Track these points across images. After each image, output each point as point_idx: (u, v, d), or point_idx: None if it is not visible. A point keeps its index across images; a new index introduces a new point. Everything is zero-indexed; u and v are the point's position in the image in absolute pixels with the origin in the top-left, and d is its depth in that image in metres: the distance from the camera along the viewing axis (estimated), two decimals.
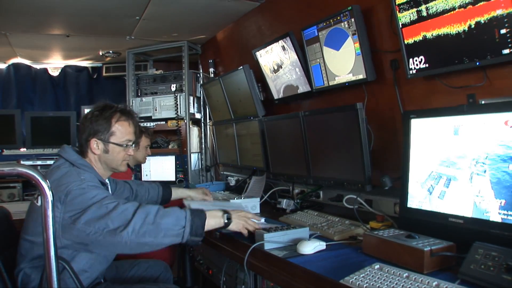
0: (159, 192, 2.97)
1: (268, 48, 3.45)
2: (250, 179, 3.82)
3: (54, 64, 6.15)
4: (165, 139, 5.31)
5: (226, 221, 2.21)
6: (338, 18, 2.66)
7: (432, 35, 2.13)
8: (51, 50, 5.38)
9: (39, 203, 2.06)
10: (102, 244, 2.03)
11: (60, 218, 2.02)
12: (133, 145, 2.40)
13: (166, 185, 3.03)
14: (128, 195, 2.78)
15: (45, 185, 1.56)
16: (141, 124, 4.49)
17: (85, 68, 6.33)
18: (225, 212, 2.24)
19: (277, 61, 3.41)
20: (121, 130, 2.32)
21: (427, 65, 2.20)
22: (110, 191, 2.49)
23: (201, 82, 5.30)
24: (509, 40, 1.80)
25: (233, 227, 2.24)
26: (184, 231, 2.04)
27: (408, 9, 2.20)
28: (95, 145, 2.29)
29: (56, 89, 6.23)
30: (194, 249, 3.21)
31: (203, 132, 5.41)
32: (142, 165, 4.53)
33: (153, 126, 5.13)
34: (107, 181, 2.46)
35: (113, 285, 2.50)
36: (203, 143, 5.41)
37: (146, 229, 1.99)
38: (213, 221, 2.18)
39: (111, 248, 2.14)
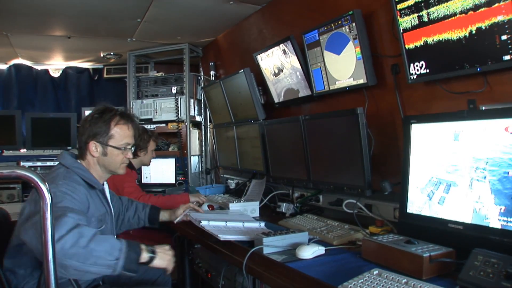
0: (145, 215, 2.87)
1: (269, 51, 3.45)
2: (250, 182, 3.81)
3: (55, 65, 6.15)
4: (166, 141, 5.31)
5: (150, 255, 2.06)
6: (339, 22, 2.66)
7: (433, 40, 2.13)
8: (52, 51, 5.39)
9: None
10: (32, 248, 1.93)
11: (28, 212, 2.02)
12: (132, 149, 2.41)
13: (154, 208, 2.92)
14: (116, 214, 2.74)
15: (44, 187, 1.55)
16: (147, 128, 4.50)
17: (86, 69, 6.33)
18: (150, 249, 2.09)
19: (278, 64, 3.41)
20: (120, 133, 2.33)
21: (427, 70, 2.20)
22: (107, 196, 2.46)
23: (202, 84, 5.30)
24: (510, 46, 1.80)
25: (157, 263, 2.07)
26: (117, 263, 1.89)
27: (409, 14, 2.20)
28: (94, 147, 2.30)
29: (57, 90, 6.23)
30: (194, 252, 3.20)
31: (203, 135, 5.42)
32: (142, 167, 4.53)
33: (154, 128, 5.13)
34: (105, 186, 2.46)
35: (117, 287, 2.50)
36: (203, 145, 5.41)
37: (76, 252, 1.81)
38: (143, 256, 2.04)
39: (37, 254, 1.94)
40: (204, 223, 2.57)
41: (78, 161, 2.33)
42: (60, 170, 2.25)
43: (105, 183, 2.48)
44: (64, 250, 1.78)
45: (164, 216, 2.90)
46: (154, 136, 4.01)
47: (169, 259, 2.12)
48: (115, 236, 2.47)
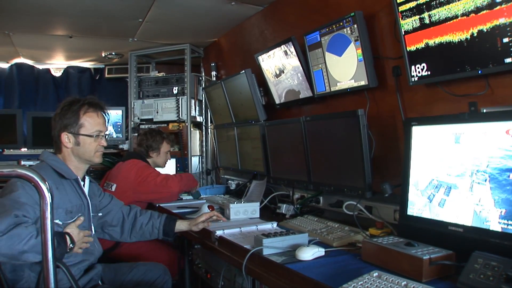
0: (160, 223, 2.72)
1: (271, 52, 3.45)
2: (251, 183, 3.81)
3: (57, 64, 6.16)
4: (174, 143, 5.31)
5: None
6: (341, 24, 2.66)
7: (434, 42, 2.12)
8: (54, 50, 5.40)
9: None
10: None
11: None
12: (106, 136, 2.44)
13: (171, 218, 2.76)
14: (119, 217, 2.70)
15: (44, 186, 1.55)
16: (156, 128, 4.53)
17: (88, 69, 6.35)
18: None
19: (279, 65, 3.41)
20: (90, 122, 2.36)
21: (429, 73, 2.19)
22: (83, 188, 2.41)
23: (203, 85, 5.30)
24: (511, 49, 1.79)
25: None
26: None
27: (411, 16, 2.20)
28: (66, 138, 2.33)
29: (58, 90, 6.24)
30: (193, 253, 3.20)
31: (204, 135, 5.41)
32: None
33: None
34: (86, 180, 2.47)
35: (117, 287, 2.50)
36: (204, 146, 5.41)
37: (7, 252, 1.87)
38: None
39: None
40: (219, 232, 2.57)
41: (56, 155, 2.36)
42: (35, 165, 2.33)
43: (86, 177, 2.49)
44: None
45: (181, 226, 2.71)
46: (169, 138, 4.11)
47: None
48: (93, 231, 2.45)
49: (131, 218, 2.69)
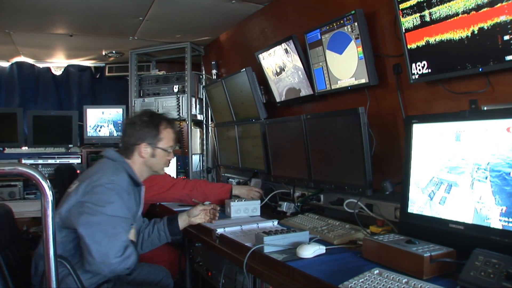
0: (164, 225, 2.73)
1: (271, 50, 3.45)
2: (251, 181, 3.81)
3: (57, 63, 6.16)
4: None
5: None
6: (341, 22, 2.66)
7: (435, 40, 2.12)
8: (54, 49, 5.40)
9: (70, 190, 2.31)
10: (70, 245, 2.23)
11: (73, 201, 2.21)
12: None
13: (171, 217, 2.76)
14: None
15: (45, 184, 1.56)
16: None
17: (88, 67, 6.34)
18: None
19: (280, 64, 3.41)
20: (168, 137, 2.51)
21: (429, 70, 2.20)
22: (141, 196, 2.56)
23: (203, 83, 5.30)
24: None
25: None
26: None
27: (411, 14, 2.20)
28: (144, 149, 2.45)
29: (58, 88, 6.24)
30: (194, 251, 3.21)
31: (204, 134, 5.41)
32: None
33: None
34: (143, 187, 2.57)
35: (121, 286, 2.52)
36: (204, 144, 5.41)
37: (116, 270, 2.14)
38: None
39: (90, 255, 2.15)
40: (220, 230, 2.58)
41: (124, 159, 2.47)
42: (108, 163, 2.40)
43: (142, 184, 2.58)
44: (109, 268, 2.10)
45: (183, 222, 2.74)
46: None
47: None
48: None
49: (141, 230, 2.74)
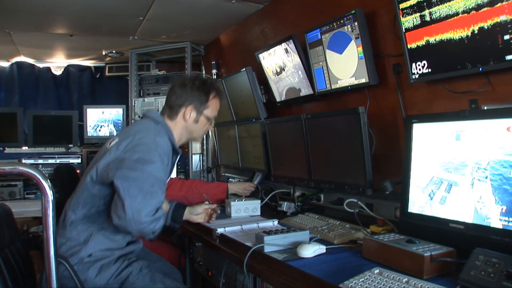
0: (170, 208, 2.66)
1: (271, 50, 3.45)
2: (251, 181, 3.82)
3: (57, 63, 6.17)
4: None
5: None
6: (342, 21, 2.66)
7: (435, 40, 2.13)
8: (54, 49, 5.40)
9: (108, 145, 2.29)
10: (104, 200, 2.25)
11: (113, 157, 2.19)
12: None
13: (181, 205, 2.70)
14: None
15: (46, 184, 1.56)
16: None
17: (88, 67, 6.35)
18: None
19: (280, 63, 3.41)
20: (214, 107, 2.47)
21: (429, 70, 2.20)
22: (175, 162, 2.52)
23: None
24: None
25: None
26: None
27: (411, 14, 2.20)
28: (189, 112, 2.41)
29: (58, 88, 6.25)
30: (194, 251, 3.21)
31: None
32: None
33: None
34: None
35: (147, 269, 2.44)
36: (204, 144, 5.40)
37: (145, 230, 2.11)
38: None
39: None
40: (220, 230, 2.58)
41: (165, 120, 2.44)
42: (151, 124, 2.35)
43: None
44: (138, 227, 2.06)
45: (184, 214, 2.72)
46: None
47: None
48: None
49: None
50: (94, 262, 2.22)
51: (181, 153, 2.47)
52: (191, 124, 2.44)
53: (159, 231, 2.18)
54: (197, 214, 2.73)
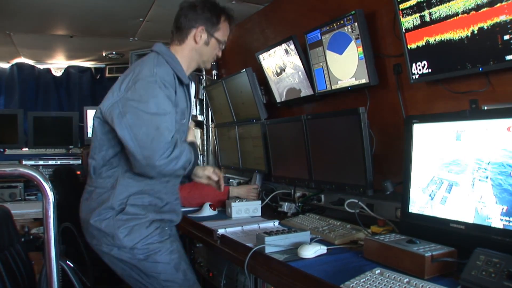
0: None
1: (271, 51, 3.45)
2: (251, 182, 3.82)
3: (57, 64, 6.17)
4: None
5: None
6: (342, 22, 2.66)
7: (435, 40, 2.13)
8: (54, 50, 5.41)
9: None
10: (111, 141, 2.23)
11: (116, 97, 2.19)
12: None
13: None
14: None
15: (46, 186, 1.56)
16: None
17: (88, 68, 6.35)
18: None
19: (280, 64, 3.41)
20: (224, 29, 2.39)
21: (430, 70, 2.20)
22: (191, 92, 2.44)
23: (204, 84, 5.29)
24: None
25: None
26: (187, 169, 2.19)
27: (411, 14, 2.21)
28: (200, 34, 2.31)
29: (59, 90, 6.25)
30: (195, 252, 3.21)
31: (205, 134, 5.41)
32: None
33: None
34: (191, 83, 2.47)
35: (177, 254, 2.37)
36: (205, 145, 5.40)
37: (165, 169, 2.09)
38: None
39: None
40: (221, 231, 2.58)
41: (171, 47, 2.37)
42: (152, 56, 2.26)
43: (190, 79, 2.45)
44: (155, 171, 2.08)
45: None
46: None
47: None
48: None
49: None
50: (126, 221, 2.19)
51: (190, 82, 2.39)
52: (202, 46, 2.33)
53: (189, 165, 2.19)
54: (200, 177, 2.56)
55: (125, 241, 2.17)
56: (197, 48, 2.33)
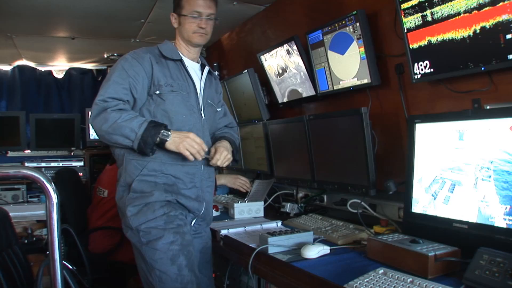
0: None
1: (273, 51, 3.46)
2: (253, 182, 3.82)
3: (59, 66, 6.17)
4: None
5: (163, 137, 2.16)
6: (343, 22, 2.66)
7: (437, 40, 2.13)
8: (56, 52, 5.41)
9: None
10: None
11: None
12: (211, 18, 2.44)
13: None
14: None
15: (50, 187, 1.56)
16: None
17: (90, 70, 6.35)
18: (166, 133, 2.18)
19: (282, 65, 3.41)
20: (189, 3, 2.39)
21: (432, 70, 2.20)
22: (189, 71, 2.42)
23: None
24: None
25: (168, 145, 2.17)
26: (134, 143, 2.13)
27: (413, 14, 2.21)
28: (174, 19, 2.45)
29: (60, 92, 6.25)
30: None
31: None
32: None
33: None
34: (204, 69, 2.51)
35: (178, 246, 2.29)
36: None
37: (100, 131, 2.18)
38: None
39: None
40: (224, 231, 2.58)
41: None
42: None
43: (206, 67, 2.54)
44: (94, 128, 2.20)
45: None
46: None
47: (184, 145, 2.18)
48: (202, 116, 2.43)
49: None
50: (134, 199, 2.23)
51: (178, 58, 2.40)
52: (179, 27, 2.44)
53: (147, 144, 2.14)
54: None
55: (131, 221, 2.21)
56: (178, 30, 2.46)
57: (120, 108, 2.18)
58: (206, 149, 2.28)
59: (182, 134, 2.21)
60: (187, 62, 2.44)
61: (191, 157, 2.20)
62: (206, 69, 2.53)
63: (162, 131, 2.15)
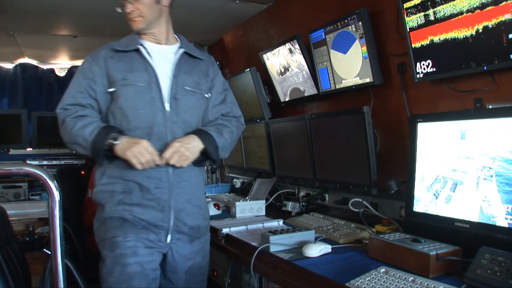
0: None
1: (275, 50, 3.46)
2: (255, 181, 3.82)
3: (61, 64, 6.17)
4: None
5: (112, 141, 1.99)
6: (346, 21, 2.66)
7: (439, 39, 2.13)
8: (58, 50, 5.41)
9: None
10: None
11: None
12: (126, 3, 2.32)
13: None
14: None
15: (52, 185, 1.56)
16: None
17: None
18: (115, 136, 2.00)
19: (284, 63, 3.42)
20: None
21: (434, 69, 2.20)
22: (147, 58, 2.17)
23: None
24: None
25: (117, 150, 1.99)
26: (88, 149, 2.03)
27: (415, 13, 2.21)
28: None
29: (62, 90, 6.17)
30: None
31: None
32: None
33: None
34: (151, 49, 2.24)
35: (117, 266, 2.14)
36: None
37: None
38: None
39: None
40: (225, 230, 2.59)
41: None
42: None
43: (181, 49, 2.36)
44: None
45: None
46: None
47: (132, 151, 1.96)
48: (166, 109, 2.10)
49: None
50: (98, 212, 2.15)
51: (134, 48, 2.22)
52: None
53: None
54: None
55: (95, 235, 2.15)
56: None
57: (79, 115, 2.04)
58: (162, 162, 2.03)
59: (133, 140, 1.99)
60: (152, 47, 2.22)
61: (139, 166, 1.97)
62: (181, 50, 2.30)
63: (111, 134, 1.99)
